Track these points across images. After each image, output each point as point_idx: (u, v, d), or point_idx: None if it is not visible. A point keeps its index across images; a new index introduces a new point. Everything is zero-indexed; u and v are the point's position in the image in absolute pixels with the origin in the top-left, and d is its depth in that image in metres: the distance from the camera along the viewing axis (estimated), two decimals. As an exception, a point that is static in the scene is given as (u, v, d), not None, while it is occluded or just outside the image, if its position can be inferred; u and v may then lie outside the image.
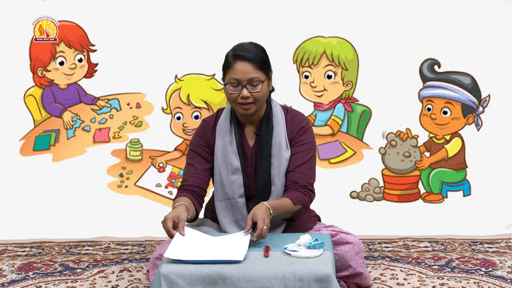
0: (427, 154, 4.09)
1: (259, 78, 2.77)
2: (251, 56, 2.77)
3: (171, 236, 2.59)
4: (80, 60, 4.07)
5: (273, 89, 2.93)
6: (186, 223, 3.00)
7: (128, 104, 4.11)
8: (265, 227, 2.59)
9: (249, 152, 2.89)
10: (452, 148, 4.08)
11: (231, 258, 2.45)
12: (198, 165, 2.91)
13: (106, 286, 3.13)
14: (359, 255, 2.88)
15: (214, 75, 4.05)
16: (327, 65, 4.06)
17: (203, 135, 2.94)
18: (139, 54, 4.03)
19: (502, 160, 4.04)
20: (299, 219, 2.91)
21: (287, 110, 2.96)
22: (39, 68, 4.05)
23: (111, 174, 4.11)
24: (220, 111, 2.98)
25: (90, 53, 4.07)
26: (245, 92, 2.77)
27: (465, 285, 3.08)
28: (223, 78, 2.85)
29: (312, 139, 2.93)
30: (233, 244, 2.58)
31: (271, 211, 2.67)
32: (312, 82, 4.08)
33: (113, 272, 3.30)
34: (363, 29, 4.02)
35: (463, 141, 4.07)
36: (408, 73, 4.04)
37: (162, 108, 4.09)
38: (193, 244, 2.57)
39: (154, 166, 4.11)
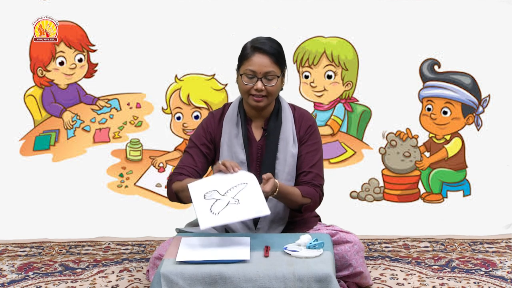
0: (427, 154, 4.09)
1: (275, 73, 2.81)
2: (270, 50, 2.81)
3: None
4: (80, 60, 4.07)
5: (281, 87, 2.95)
6: (185, 226, 3.00)
7: (128, 104, 4.11)
8: (266, 186, 2.64)
9: (255, 146, 2.90)
10: (452, 148, 4.08)
11: (237, 258, 2.47)
12: (196, 158, 2.92)
13: (106, 286, 3.13)
14: (359, 254, 2.88)
15: (214, 75, 4.05)
16: (327, 65, 4.06)
17: (208, 127, 2.95)
18: (139, 54, 4.03)
19: (502, 160, 4.04)
20: (304, 215, 2.94)
21: (294, 107, 2.99)
22: (39, 68, 4.05)
23: (111, 174, 4.11)
24: (227, 105, 3.00)
25: (90, 53, 4.07)
26: (259, 84, 2.79)
27: (465, 285, 3.08)
28: (238, 69, 2.86)
29: (320, 138, 2.98)
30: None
31: (277, 190, 2.71)
32: (312, 82, 4.08)
33: (113, 272, 3.30)
34: (363, 29, 4.02)
35: (463, 141, 4.07)
36: (408, 73, 4.03)
37: (162, 108, 4.09)
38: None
39: (154, 166, 4.11)
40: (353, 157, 4.10)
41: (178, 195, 2.89)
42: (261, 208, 2.56)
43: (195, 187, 2.69)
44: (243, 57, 2.85)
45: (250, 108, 2.90)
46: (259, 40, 2.86)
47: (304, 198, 2.83)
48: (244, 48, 2.86)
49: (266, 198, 2.67)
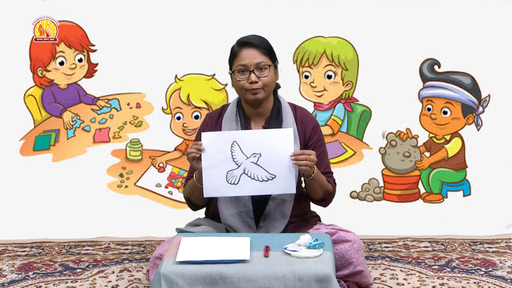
0: (427, 154, 4.09)
1: (265, 63, 2.83)
2: (256, 42, 2.85)
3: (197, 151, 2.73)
4: (80, 60, 4.08)
5: (279, 86, 2.95)
6: (186, 226, 3.00)
7: (128, 104, 4.11)
8: (311, 156, 2.72)
9: None
10: (452, 148, 4.08)
11: (237, 258, 2.47)
12: None
13: (106, 286, 3.13)
14: (359, 252, 2.88)
15: (214, 75, 4.05)
16: (327, 65, 4.06)
17: (205, 131, 2.94)
18: (139, 54, 4.03)
19: (502, 160, 4.04)
20: (306, 216, 2.98)
21: (294, 106, 3.00)
22: (39, 68, 4.05)
23: (111, 174, 4.11)
24: (225, 106, 3.00)
25: (90, 53, 4.07)
26: (253, 76, 2.81)
27: (465, 285, 3.08)
28: (231, 70, 2.87)
29: (323, 135, 3.02)
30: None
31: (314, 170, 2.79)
32: (312, 82, 4.08)
33: (113, 272, 3.30)
34: (363, 29, 4.02)
35: (463, 141, 4.07)
36: (408, 73, 4.04)
37: (162, 108, 4.09)
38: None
39: (154, 166, 4.11)
40: (353, 157, 4.10)
41: (191, 201, 2.93)
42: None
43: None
44: (232, 56, 2.88)
45: (249, 106, 2.91)
46: (243, 37, 2.89)
47: (328, 184, 2.90)
48: (232, 49, 2.90)
49: (308, 176, 2.78)
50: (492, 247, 3.61)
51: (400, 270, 3.29)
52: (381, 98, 4.05)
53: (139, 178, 4.12)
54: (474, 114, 4.05)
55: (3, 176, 4.07)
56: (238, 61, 2.84)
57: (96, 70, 4.08)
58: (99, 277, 3.24)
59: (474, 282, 3.11)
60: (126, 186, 4.11)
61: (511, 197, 4.01)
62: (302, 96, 4.08)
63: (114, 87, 4.08)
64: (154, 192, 4.12)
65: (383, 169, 4.10)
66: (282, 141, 2.73)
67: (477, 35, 3.99)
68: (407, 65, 4.03)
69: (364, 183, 4.10)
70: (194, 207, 2.98)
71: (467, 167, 4.08)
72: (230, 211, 2.87)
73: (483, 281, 3.12)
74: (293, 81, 4.06)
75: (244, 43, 2.85)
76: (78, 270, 3.33)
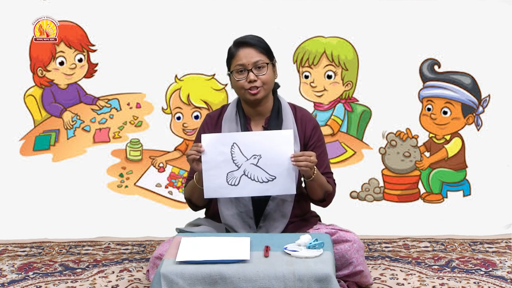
0: (427, 154, 4.09)
1: (263, 61, 2.83)
2: (253, 41, 2.86)
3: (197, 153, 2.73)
4: (80, 60, 4.08)
5: (278, 85, 2.95)
6: (186, 226, 3.00)
7: (128, 104, 4.11)
8: (311, 158, 2.71)
9: None
10: (452, 148, 4.08)
11: (237, 258, 2.47)
12: None
13: (106, 286, 3.13)
14: (359, 252, 2.88)
15: (214, 75, 4.05)
16: (327, 65, 4.06)
17: (205, 132, 2.94)
18: (139, 54, 4.03)
19: (502, 160, 4.04)
20: (306, 216, 2.98)
21: (294, 106, 3.00)
22: (39, 68, 4.05)
23: (111, 174, 4.11)
24: (225, 106, 3.00)
25: (90, 53, 4.07)
26: (251, 75, 2.82)
27: (465, 285, 3.08)
28: (229, 70, 2.87)
29: (323, 135, 3.02)
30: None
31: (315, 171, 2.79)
32: (312, 82, 4.08)
33: (113, 272, 3.30)
34: (363, 29, 4.02)
35: (463, 141, 4.07)
36: (408, 73, 4.04)
37: (162, 108, 4.09)
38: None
39: (154, 166, 4.11)
40: (353, 157, 4.10)
41: (192, 201, 2.94)
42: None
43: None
44: (230, 57, 2.89)
45: (249, 106, 2.91)
46: (240, 37, 2.90)
47: (328, 185, 2.90)
48: (229, 50, 2.91)
49: (308, 177, 2.79)
50: (492, 247, 3.61)
51: (400, 270, 3.29)
52: (381, 98, 4.05)
53: (139, 178, 4.12)
54: (474, 114, 4.05)
55: (3, 176, 4.07)
56: (235, 61, 2.84)
57: (96, 70, 4.08)
58: (99, 277, 3.24)
59: (474, 282, 3.11)
60: (126, 186, 4.11)
61: (511, 197, 4.01)
62: (302, 96, 4.08)
63: (114, 87, 4.08)
64: (154, 192, 4.12)
65: (383, 169, 4.10)
66: (282, 143, 2.73)
67: (477, 35, 3.99)
68: (407, 65, 4.03)
69: (364, 183, 4.10)
70: (195, 207, 2.98)
71: (467, 167, 4.08)
72: (230, 211, 2.87)
73: (483, 281, 3.13)
74: (293, 81, 4.06)
75: (240, 43, 2.86)
76: (78, 270, 3.33)
